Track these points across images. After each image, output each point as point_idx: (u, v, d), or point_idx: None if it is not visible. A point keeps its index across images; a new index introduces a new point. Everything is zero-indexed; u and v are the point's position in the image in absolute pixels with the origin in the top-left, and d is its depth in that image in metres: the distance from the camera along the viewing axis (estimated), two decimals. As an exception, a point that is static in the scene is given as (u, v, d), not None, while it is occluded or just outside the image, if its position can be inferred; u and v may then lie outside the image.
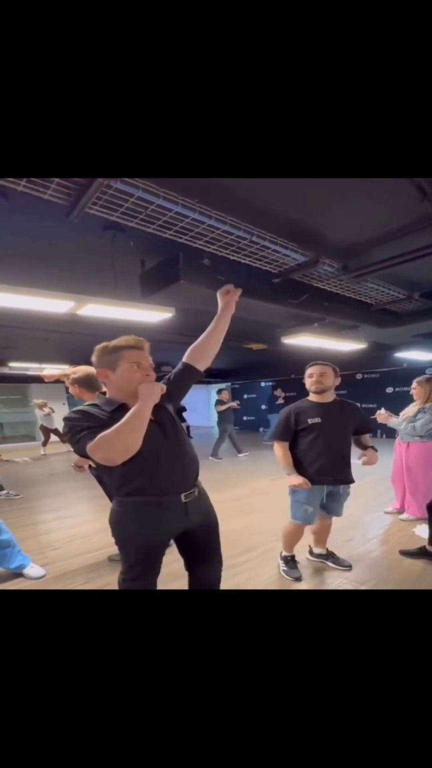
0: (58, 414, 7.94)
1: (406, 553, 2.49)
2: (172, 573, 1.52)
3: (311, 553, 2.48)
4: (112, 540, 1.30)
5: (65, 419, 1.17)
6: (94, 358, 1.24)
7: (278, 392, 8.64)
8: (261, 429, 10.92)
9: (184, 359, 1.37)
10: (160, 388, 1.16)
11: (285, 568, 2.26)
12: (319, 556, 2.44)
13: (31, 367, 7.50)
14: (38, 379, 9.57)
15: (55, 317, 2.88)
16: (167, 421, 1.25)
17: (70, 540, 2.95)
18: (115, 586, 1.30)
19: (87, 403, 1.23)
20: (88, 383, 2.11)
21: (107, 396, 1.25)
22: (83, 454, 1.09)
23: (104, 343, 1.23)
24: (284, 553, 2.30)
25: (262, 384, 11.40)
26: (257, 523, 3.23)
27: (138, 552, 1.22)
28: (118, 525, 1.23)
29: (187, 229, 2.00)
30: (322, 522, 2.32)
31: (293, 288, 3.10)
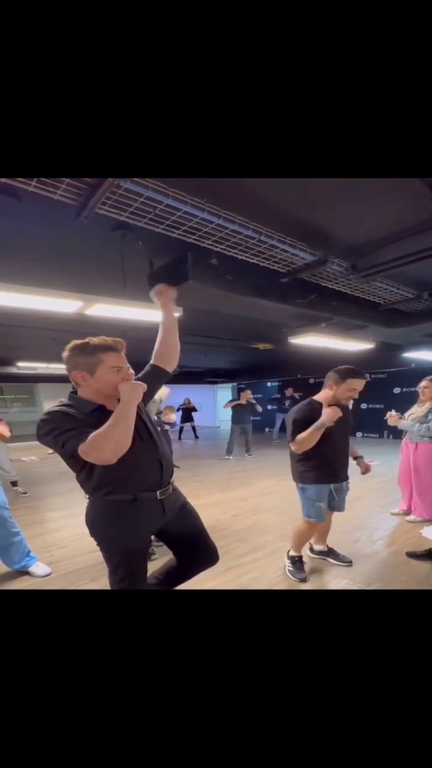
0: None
1: (413, 555, 2.47)
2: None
3: (312, 550, 2.49)
4: None
5: (43, 420, 1.11)
6: (69, 357, 1.17)
7: (289, 391, 8.61)
8: (267, 429, 10.89)
9: (152, 361, 1.44)
10: (143, 387, 1.15)
11: (291, 569, 2.25)
12: (320, 553, 2.46)
13: (39, 367, 7.57)
14: (46, 379, 9.67)
15: (63, 317, 2.90)
16: (141, 421, 1.24)
17: (78, 538, 2.96)
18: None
19: (60, 404, 1.18)
20: None
21: (79, 396, 1.20)
22: (72, 455, 1.08)
23: (78, 342, 1.17)
24: (292, 553, 2.29)
25: (269, 384, 11.37)
26: (264, 523, 3.23)
27: (121, 551, 1.22)
28: (96, 525, 1.22)
29: (196, 228, 2.00)
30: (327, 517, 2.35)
31: (301, 287, 3.09)
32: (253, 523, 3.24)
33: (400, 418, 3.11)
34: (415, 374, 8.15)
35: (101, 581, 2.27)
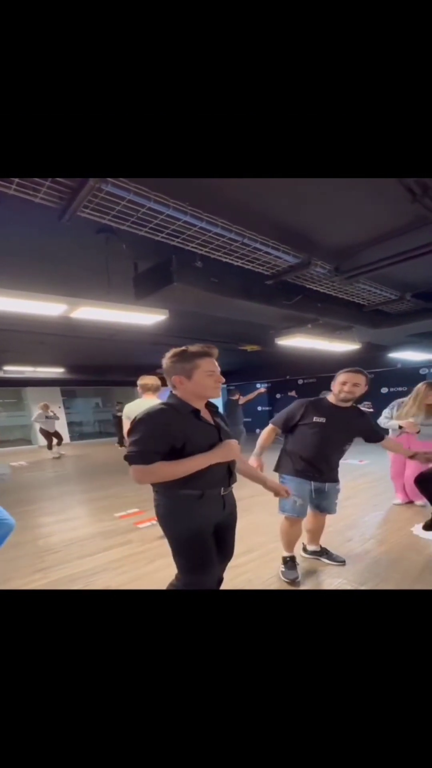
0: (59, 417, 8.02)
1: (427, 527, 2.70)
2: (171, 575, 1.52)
3: (305, 550, 2.49)
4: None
5: (141, 420, 1.20)
6: (169, 364, 1.28)
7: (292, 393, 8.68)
8: (257, 430, 10.92)
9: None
10: (238, 455, 1.34)
11: (283, 569, 2.25)
12: (313, 553, 2.46)
13: (26, 371, 7.48)
14: (33, 383, 9.55)
15: (49, 320, 2.89)
16: (222, 425, 1.37)
17: (71, 543, 2.93)
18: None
19: (162, 403, 1.29)
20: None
21: (179, 396, 1.30)
22: (129, 460, 1.18)
23: (178, 350, 1.28)
24: (284, 554, 2.29)
25: (258, 385, 11.41)
26: (258, 523, 3.23)
27: (191, 541, 1.29)
28: (168, 518, 1.31)
29: (180, 231, 2.01)
30: (316, 519, 2.36)
31: (286, 289, 3.12)
32: (247, 524, 3.23)
33: (416, 424, 2.84)
34: (401, 374, 8.34)
35: (95, 586, 2.25)
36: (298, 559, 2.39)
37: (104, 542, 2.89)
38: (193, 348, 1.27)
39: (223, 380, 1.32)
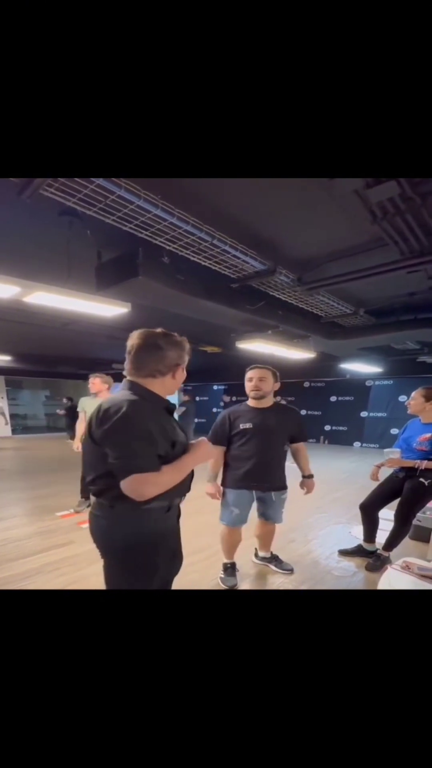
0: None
1: (344, 553, 2.64)
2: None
3: (256, 555, 2.51)
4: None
5: (131, 413, 0.96)
6: (165, 348, 1.06)
7: (226, 398, 8.79)
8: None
9: None
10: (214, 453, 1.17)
11: (222, 575, 2.23)
12: (263, 559, 2.47)
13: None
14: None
15: (-3, 302, 2.67)
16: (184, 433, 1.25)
17: (4, 544, 2.73)
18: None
19: (132, 396, 1.02)
20: None
21: (150, 389, 1.08)
22: (128, 471, 0.95)
23: (170, 335, 1.09)
24: (224, 560, 2.27)
25: (215, 387, 11.50)
26: (206, 525, 3.23)
27: (146, 552, 1.07)
28: (116, 531, 1.06)
29: (148, 224, 1.96)
30: (264, 527, 2.31)
31: (250, 294, 3.18)
32: (194, 525, 3.22)
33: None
34: (349, 384, 8.86)
35: (33, 586, 2.11)
36: (250, 565, 2.43)
37: (42, 543, 2.73)
38: (183, 340, 1.11)
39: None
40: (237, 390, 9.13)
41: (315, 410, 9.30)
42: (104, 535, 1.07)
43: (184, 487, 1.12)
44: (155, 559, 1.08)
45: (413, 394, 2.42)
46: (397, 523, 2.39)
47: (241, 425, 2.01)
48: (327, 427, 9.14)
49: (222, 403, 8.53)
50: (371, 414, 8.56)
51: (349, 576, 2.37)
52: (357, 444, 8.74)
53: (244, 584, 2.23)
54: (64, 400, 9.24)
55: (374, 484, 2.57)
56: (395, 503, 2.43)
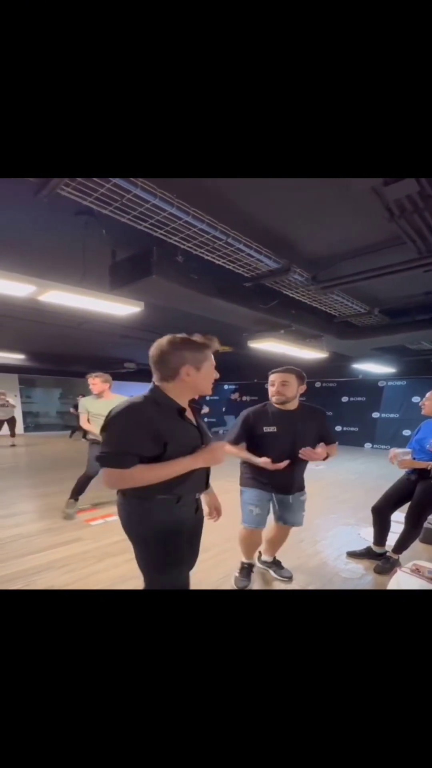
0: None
1: (353, 555, 2.60)
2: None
3: (259, 558, 2.42)
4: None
5: (124, 412, 1.06)
6: (174, 351, 1.11)
7: (234, 396, 8.75)
8: (221, 431, 10.99)
9: None
10: (223, 459, 1.20)
11: (237, 575, 2.21)
12: (264, 563, 2.39)
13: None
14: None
15: (11, 301, 2.71)
16: (203, 426, 1.28)
17: (12, 540, 2.76)
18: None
19: (142, 396, 1.12)
20: None
21: (163, 391, 1.14)
22: (101, 462, 1.07)
23: (185, 338, 1.13)
24: (242, 559, 2.23)
25: (225, 387, 11.49)
26: (212, 524, 3.23)
27: (164, 538, 1.17)
28: (135, 521, 1.17)
29: (163, 223, 1.96)
30: (279, 530, 2.20)
31: (263, 293, 3.16)
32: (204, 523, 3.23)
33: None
34: (362, 385, 8.75)
35: (37, 585, 2.13)
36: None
37: (51, 539, 2.75)
38: (199, 338, 1.15)
39: (218, 376, 1.25)
40: (248, 390, 9.10)
41: (326, 411, 9.20)
42: (126, 523, 1.19)
43: (193, 482, 1.19)
44: (170, 547, 1.18)
45: (428, 394, 2.39)
46: (408, 525, 2.35)
47: (264, 428, 1.91)
48: (338, 428, 9.05)
49: (231, 403, 8.50)
50: (383, 415, 8.46)
51: (357, 578, 2.34)
52: (368, 445, 8.65)
53: (252, 585, 2.21)
54: (78, 398, 9.35)
55: (385, 487, 2.53)
56: (407, 506, 2.39)
